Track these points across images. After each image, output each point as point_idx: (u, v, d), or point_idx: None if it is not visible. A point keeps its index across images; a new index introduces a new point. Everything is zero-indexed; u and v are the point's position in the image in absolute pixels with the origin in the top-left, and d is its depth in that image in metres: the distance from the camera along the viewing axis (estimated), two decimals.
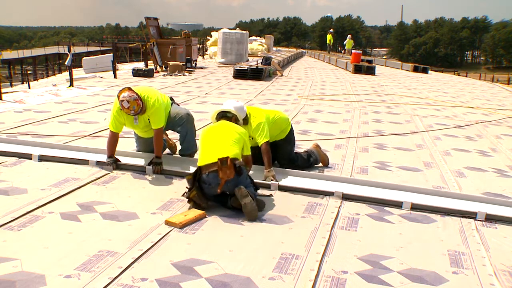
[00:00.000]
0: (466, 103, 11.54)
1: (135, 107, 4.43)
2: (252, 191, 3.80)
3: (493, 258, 3.24)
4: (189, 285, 2.69)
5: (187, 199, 3.87)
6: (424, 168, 5.41)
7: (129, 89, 4.49)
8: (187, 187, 3.93)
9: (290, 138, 5.05)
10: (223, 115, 4.42)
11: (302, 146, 5.86)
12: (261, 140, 4.58)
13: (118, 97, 4.46)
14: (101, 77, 13.47)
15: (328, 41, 31.75)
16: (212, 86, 12.21)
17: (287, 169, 4.77)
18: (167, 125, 4.89)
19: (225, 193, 3.85)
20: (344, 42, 30.92)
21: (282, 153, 4.96)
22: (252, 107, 5.01)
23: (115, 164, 4.70)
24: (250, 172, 4.34)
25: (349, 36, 31.95)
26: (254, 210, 3.63)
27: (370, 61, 21.75)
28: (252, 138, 4.63)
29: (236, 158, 3.85)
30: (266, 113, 4.92)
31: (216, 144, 3.97)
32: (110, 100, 8.95)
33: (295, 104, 9.77)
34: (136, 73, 13.95)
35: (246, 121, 4.71)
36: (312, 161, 5.12)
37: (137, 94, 4.45)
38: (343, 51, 33.56)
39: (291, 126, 5.11)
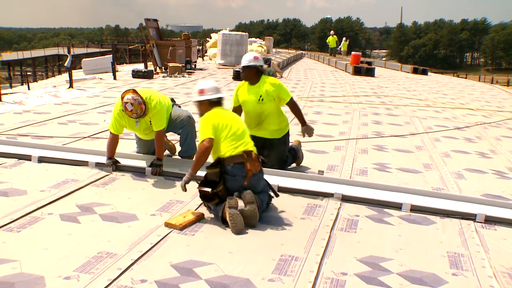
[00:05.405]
0: (465, 105, 11.55)
1: (138, 110, 4.43)
2: (261, 198, 3.73)
3: (492, 260, 3.24)
4: (189, 287, 2.69)
5: (203, 197, 3.64)
6: (424, 170, 5.41)
7: (134, 91, 4.48)
8: (197, 181, 3.75)
9: (285, 139, 5.05)
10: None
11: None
12: (288, 96, 4.89)
13: (122, 98, 4.45)
14: (100, 79, 13.47)
15: (329, 43, 31.71)
16: None
17: (287, 171, 4.77)
18: (168, 127, 4.89)
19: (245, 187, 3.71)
20: (340, 45, 31.34)
21: (275, 153, 4.89)
22: None
23: (114, 166, 4.70)
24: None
25: (343, 38, 32.22)
26: (253, 216, 3.52)
27: (369, 63, 21.72)
28: (274, 99, 4.82)
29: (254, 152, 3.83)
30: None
31: (234, 136, 3.80)
32: (109, 102, 8.95)
33: None
34: (136, 74, 13.96)
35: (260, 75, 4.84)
36: (299, 157, 5.23)
37: (141, 98, 4.44)
38: (342, 53, 33.67)
39: (289, 128, 5.13)
